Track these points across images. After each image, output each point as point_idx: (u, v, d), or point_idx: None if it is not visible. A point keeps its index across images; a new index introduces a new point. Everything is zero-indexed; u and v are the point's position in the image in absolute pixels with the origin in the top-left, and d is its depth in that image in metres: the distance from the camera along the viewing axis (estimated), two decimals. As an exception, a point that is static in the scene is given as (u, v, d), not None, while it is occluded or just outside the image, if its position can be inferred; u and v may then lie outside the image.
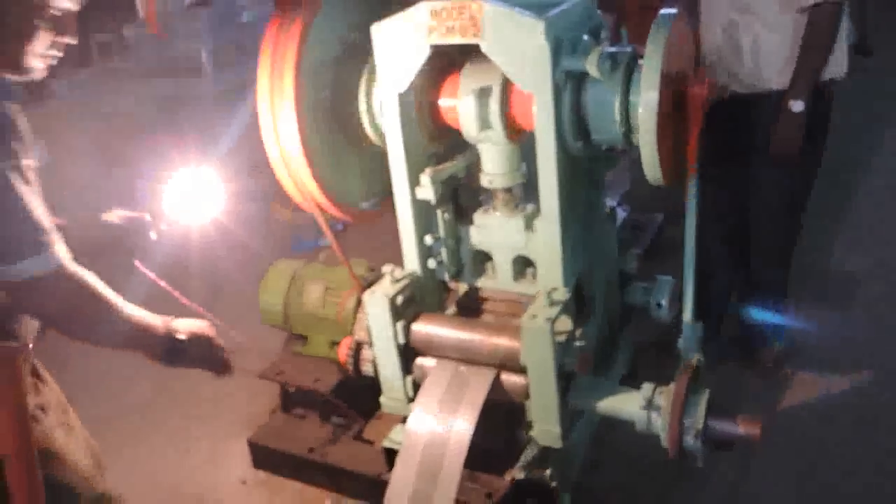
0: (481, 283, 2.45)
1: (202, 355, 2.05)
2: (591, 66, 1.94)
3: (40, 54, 1.81)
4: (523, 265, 2.36)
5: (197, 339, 2.03)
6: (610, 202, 2.64)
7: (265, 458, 2.80)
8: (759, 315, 3.02)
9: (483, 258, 2.44)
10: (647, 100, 1.91)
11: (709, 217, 2.88)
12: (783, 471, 2.53)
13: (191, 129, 4.59)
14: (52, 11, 1.77)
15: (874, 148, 4.88)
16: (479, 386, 2.23)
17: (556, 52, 1.95)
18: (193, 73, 4.54)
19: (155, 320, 1.98)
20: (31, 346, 1.61)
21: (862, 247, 3.81)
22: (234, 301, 3.88)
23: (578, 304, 2.51)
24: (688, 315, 2.31)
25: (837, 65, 2.56)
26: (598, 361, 2.56)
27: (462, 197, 2.48)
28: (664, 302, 2.60)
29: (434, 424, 2.20)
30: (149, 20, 4.61)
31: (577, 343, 2.20)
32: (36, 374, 1.89)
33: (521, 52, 1.96)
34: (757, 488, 2.49)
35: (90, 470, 2.03)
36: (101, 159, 5.11)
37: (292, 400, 2.94)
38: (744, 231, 2.92)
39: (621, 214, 2.65)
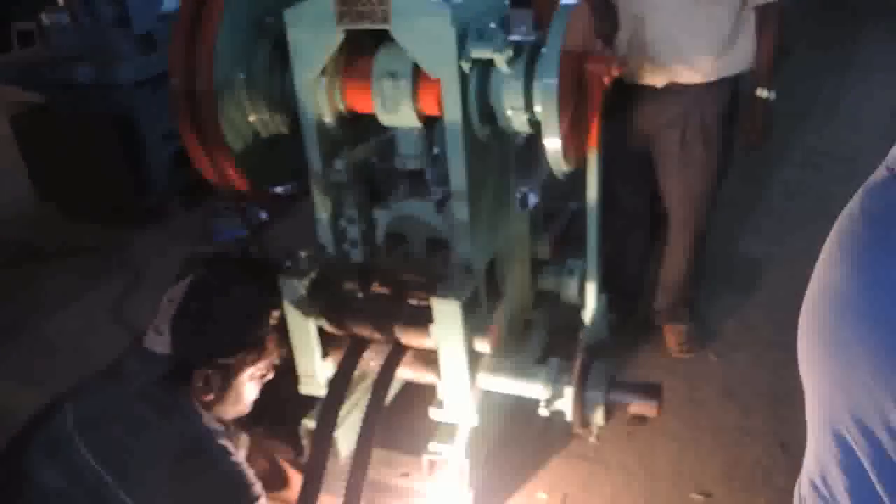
0: (395, 263, 2.50)
1: None
2: (496, 54, 2.01)
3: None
4: (436, 246, 2.41)
5: None
6: (523, 188, 2.72)
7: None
8: (670, 300, 3.16)
9: (397, 240, 2.48)
10: (546, 86, 1.99)
11: (620, 205, 3.00)
12: (684, 445, 2.66)
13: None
14: None
15: (785, 143, 5.10)
16: (390, 364, 2.28)
17: (462, 40, 2.01)
18: (115, 59, 4.46)
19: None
20: None
21: (768, 235, 3.99)
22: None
23: (491, 286, 2.59)
24: (591, 297, 2.41)
25: (746, 60, 2.70)
26: (510, 344, 2.65)
27: (377, 180, 2.53)
28: (574, 285, 2.71)
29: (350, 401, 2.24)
30: (69, 5, 4.51)
31: (486, 319, 2.27)
32: None
33: (429, 38, 2.01)
34: (661, 461, 2.60)
35: None
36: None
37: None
38: (656, 218, 3.04)
39: (533, 200, 2.73)
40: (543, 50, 2.01)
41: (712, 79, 2.69)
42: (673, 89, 2.71)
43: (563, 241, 2.86)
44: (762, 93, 2.73)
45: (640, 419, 2.75)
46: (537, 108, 2.05)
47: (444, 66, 2.03)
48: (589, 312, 2.43)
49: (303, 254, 2.39)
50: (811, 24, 7.65)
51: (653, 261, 3.22)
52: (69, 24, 4.60)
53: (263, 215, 4.48)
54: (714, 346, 3.16)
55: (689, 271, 3.09)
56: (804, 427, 0.91)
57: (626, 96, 2.78)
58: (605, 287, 3.16)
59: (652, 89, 2.73)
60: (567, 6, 2.06)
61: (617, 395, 2.14)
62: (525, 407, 2.36)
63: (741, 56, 2.71)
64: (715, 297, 3.44)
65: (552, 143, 2.05)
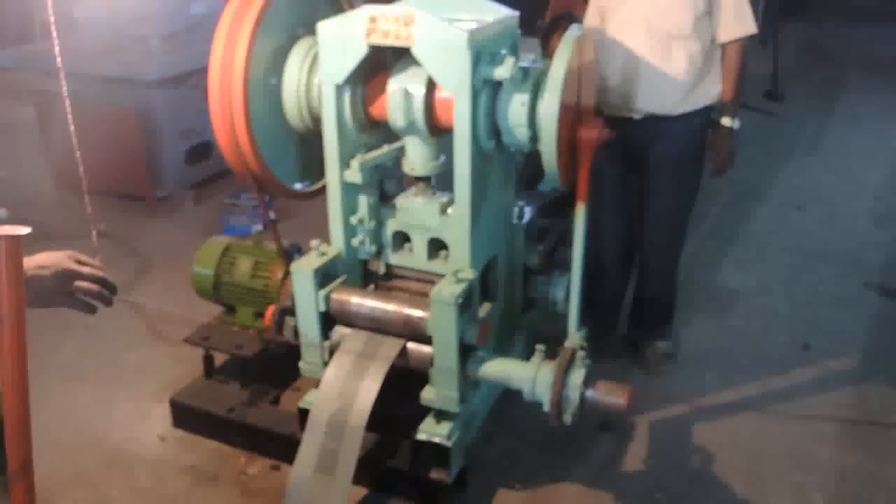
0: (399, 260, 2.71)
1: (52, 289, 1.55)
2: (505, 75, 2.24)
3: None
4: (437, 247, 2.63)
5: (42, 272, 1.54)
6: (520, 203, 2.94)
7: (185, 417, 3.00)
8: (647, 318, 3.38)
9: (402, 239, 2.70)
10: (548, 105, 2.22)
11: (600, 227, 3.23)
12: (653, 452, 2.86)
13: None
14: None
15: (772, 182, 5.36)
16: (387, 353, 2.49)
17: (476, 61, 2.25)
18: (141, 56, 4.69)
19: None
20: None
21: (747, 267, 4.23)
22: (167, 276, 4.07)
23: (485, 288, 2.80)
24: (573, 309, 2.63)
25: (716, 92, 2.96)
26: (499, 343, 2.86)
27: (387, 184, 2.75)
28: (560, 295, 2.93)
29: (343, 386, 2.44)
30: (103, 1, 4.74)
31: (478, 318, 2.48)
32: None
33: (446, 58, 2.24)
34: (629, 465, 2.80)
35: None
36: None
37: (215, 366, 3.15)
38: (634, 240, 3.27)
39: (528, 214, 2.95)
40: (549, 72, 2.25)
41: (686, 110, 2.94)
42: (651, 120, 2.94)
43: (552, 254, 3.08)
44: (727, 122, 2.98)
45: (608, 427, 2.96)
46: (538, 126, 2.28)
47: (458, 84, 2.26)
48: (572, 320, 2.64)
49: (314, 244, 2.61)
50: (802, 73, 7.99)
51: (631, 281, 3.44)
52: (100, 19, 4.83)
53: (272, 215, 4.69)
54: (687, 364, 3.37)
55: (663, 291, 3.31)
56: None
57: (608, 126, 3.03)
58: (585, 308, 3.41)
59: (631, 120, 2.96)
60: (572, 33, 2.30)
61: (591, 391, 2.35)
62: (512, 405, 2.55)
63: (711, 89, 2.96)
64: (691, 321, 3.66)
65: (549, 156, 2.28)
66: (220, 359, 3.15)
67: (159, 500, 2.68)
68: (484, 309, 2.71)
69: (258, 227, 4.63)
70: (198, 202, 5.08)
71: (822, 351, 3.46)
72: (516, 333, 3.02)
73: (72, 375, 3.33)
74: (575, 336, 2.58)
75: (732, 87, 2.94)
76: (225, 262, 3.07)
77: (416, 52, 2.28)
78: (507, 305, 2.92)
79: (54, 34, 2.11)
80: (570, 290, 2.61)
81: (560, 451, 2.83)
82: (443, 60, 2.25)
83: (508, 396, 2.75)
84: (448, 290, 2.37)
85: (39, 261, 1.52)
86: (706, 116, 3.00)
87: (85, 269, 1.56)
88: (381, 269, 2.77)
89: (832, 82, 7.87)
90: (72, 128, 4.92)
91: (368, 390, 2.41)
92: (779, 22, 8.45)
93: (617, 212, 3.21)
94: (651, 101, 2.93)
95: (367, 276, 2.80)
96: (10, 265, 1.03)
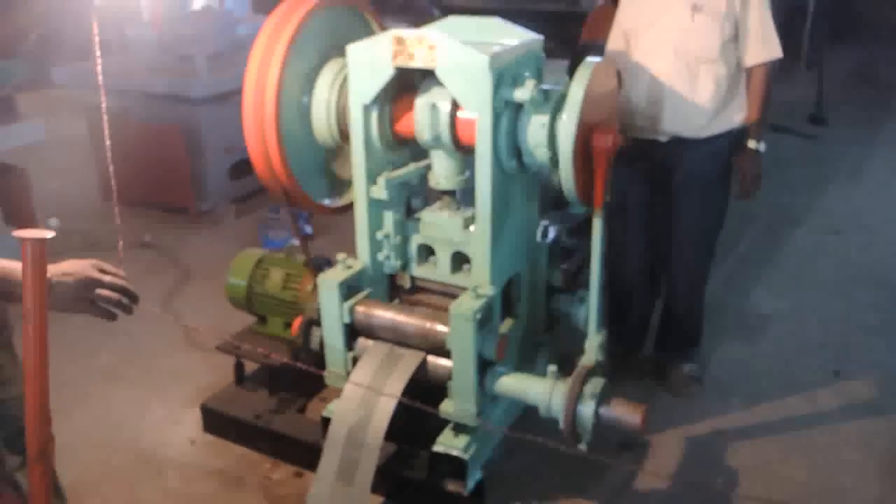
0: (424, 273, 2.77)
1: (73, 296, 1.65)
2: (525, 97, 2.31)
3: None
4: (461, 261, 2.68)
5: (65, 279, 1.63)
6: (544, 222, 2.99)
7: (215, 422, 3.10)
8: (674, 340, 3.38)
9: (427, 252, 2.76)
10: (566, 125, 2.27)
11: (626, 250, 3.25)
12: (672, 473, 2.85)
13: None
14: None
15: (811, 207, 5.31)
16: (407, 365, 2.55)
17: (498, 83, 2.31)
18: (188, 74, 4.88)
19: (11, 264, 1.59)
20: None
21: (781, 292, 4.19)
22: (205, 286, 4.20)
23: (507, 304, 2.85)
24: (592, 326, 2.66)
25: (741, 115, 2.97)
26: (521, 360, 2.90)
27: (413, 201, 2.82)
28: (583, 314, 2.95)
29: (363, 397, 2.50)
30: (153, 21, 4.95)
31: (497, 333, 2.53)
32: None
33: (468, 80, 2.31)
34: (647, 485, 2.81)
35: None
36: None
37: (246, 374, 3.25)
38: (661, 262, 3.28)
39: (552, 234, 2.99)
40: (568, 95, 2.30)
41: (712, 132, 2.96)
42: (677, 142, 2.97)
43: (577, 274, 3.11)
44: (753, 144, 2.99)
45: (629, 446, 2.97)
46: (557, 147, 2.33)
47: (479, 105, 2.33)
48: (591, 335, 2.67)
49: (340, 257, 2.69)
50: (848, 97, 7.89)
51: (658, 303, 3.44)
52: (150, 39, 5.04)
53: (309, 229, 4.82)
54: (713, 387, 3.36)
55: (690, 314, 3.31)
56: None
57: (633, 149, 3.06)
58: (611, 327, 3.43)
59: (657, 142, 2.99)
60: (591, 61, 2.36)
61: (605, 409, 2.37)
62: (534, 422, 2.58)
63: (737, 112, 2.98)
64: (721, 345, 3.64)
65: (566, 175, 2.33)
66: (251, 367, 3.24)
67: (186, 501, 2.77)
68: (505, 325, 2.76)
69: (295, 241, 4.75)
70: (239, 216, 5.24)
71: (852, 379, 3.42)
72: (540, 351, 3.05)
73: (110, 379, 3.47)
74: (591, 353, 2.60)
75: (758, 110, 2.96)
76: (258, 273, 3.18)
77: (440, 74, 2.35)
78: (530, 323, 2.95)
79: (97, 53, 2.21)
80: (588, 301, 2.64)
81: (579, 469, 2.85)
82: (465, 82, 2.32)
83: (533, 412, 2.78)
84: (467, 306, 2.42)
85: (64, 268, 1.62)
86: (732, 139, 3.01)
87: (106, 278, 1.66)
88: (407, 283, 2.84)
89: (879, 107, 7.77)
90: (118, 142, 5.13)
91: (387, 401, 2.47)
92: (826, 45, 8.38)
93: (642, 234, 3.23)
94: (677, 124, 2.96)
95: (394, 290, 2.88)
96: (35, 266, 1.13)
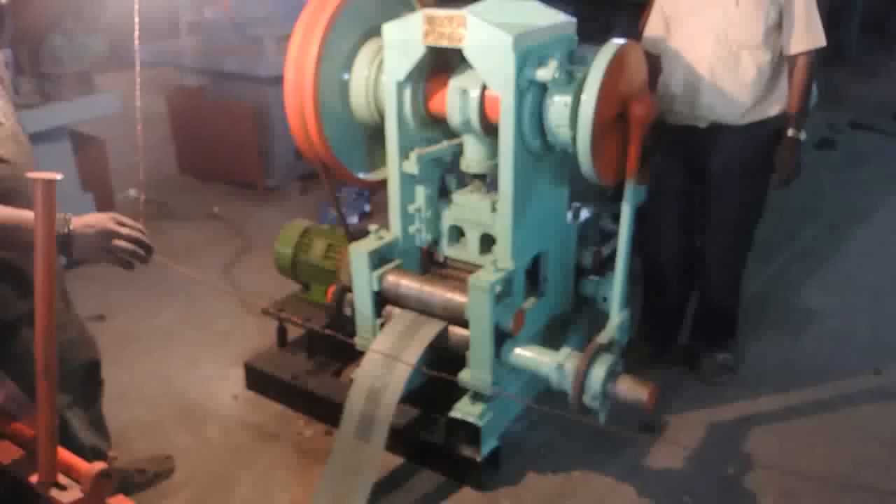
0: (453, 252, 2.89)
1: (93, 246, 1.80)
2: (547, 77, 2.38)
3: None
4: (490, 243, 2.78)
5: (86, 231, 1.79)
6: (577, 203, 3.05)
7: (256, 380, 3.29)
8: (708, 329, 3.38)
9: (458, 233, 2.87)
10: (585, 101, 2.33)
11: (664, 237, 3.27)
12: (690, 457, 2.87)
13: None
14: None
15: (877, 206, 5.14)
16: (427, 333, 2.67)
17: (522, 63, 2.39)
18: (257, 55, 5.12)
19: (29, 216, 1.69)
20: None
21: (832, 289, 4.10)
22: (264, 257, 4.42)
23: (534, 282, 2.93)
24: (615, 305, 2.71)
25: (783, 103, 2.95)
26: (547, 338, 2.97)
27: (448, 180, 2.93)
28: (609, 296, 3.00)
29: (384, 360, 2.63)
30: (224, 3, 5.21)
31: (514, 307, 2.61)
32: None
33: (493, 59, 2.40)
34: (661, 464, 2.83)
35: (82, 341, 2.48)
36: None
37: (291, 338, 3.43)
38: (697, 251, 3.28)
39: (585, 215, 3.04)
40: (588, 75, 2.36)
41: (752, 120, 2.94)
42: (715, 129, 2.97)
43: (610, 257, 3.15)
44: (792, 133, 2.95)
45: (649, 428, 3.01)
46: (577, 125, 2.39)
47: (503, 84, 2.41)
48: (612, 316, 2.72)
49: (373, 228, 2.82)
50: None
51: (694, 291, 3.44)
52: (224, 20, 5.31)
53: (367, 207, 5.00)
54: (747, 377, 3.35)
55: (725, 304, 3.31)
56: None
57: (671, 136, 3.08)
58: (645, 314, 3.45)
59: (695, 129, 3.00)
60: (615, 41, 2.41)
61: (612, 385, 2.43)
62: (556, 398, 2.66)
63: (778, 99, 2.95)
64: (761, 337, 3.61)
65: (583, 155, 2.39)
66: (298, 332, 3.41)
67: (222, 450, 2.96)
68: (528, 302, 2.84)
69: (353, 219, 4.93)
70: (303, 193, 5.45)
71: (893, 378, 3.34)
72: (568, 332, 3.10)
73: (168, 337, 3.71)
74: (609, 331, 2.65)
75: (799, 98, 2.93)
76: (303, 242, 3.35)
77: (467, 53, 2.45)
78: (557, 302, 3.02)
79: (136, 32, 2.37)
80: (614, 279, 2.69)
81: (598, 447, 2.91)
82: (490, 61, 2.41)
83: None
84: (485, 278, 2.52)
85: (86, 220, 1.80)
86: (773, 128, 2.99)
87: (123, 230, 1.82)
88: (441, 259, 2.95)
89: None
90: (194, 119, 5.43)
91: (405, 364, 2.59)
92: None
93: (678, 221, 3.23)
94: (716, 110, 2.96)
95: (431, 265, 2.99)
96: (45, 203, 1.28)
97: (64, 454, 1.47)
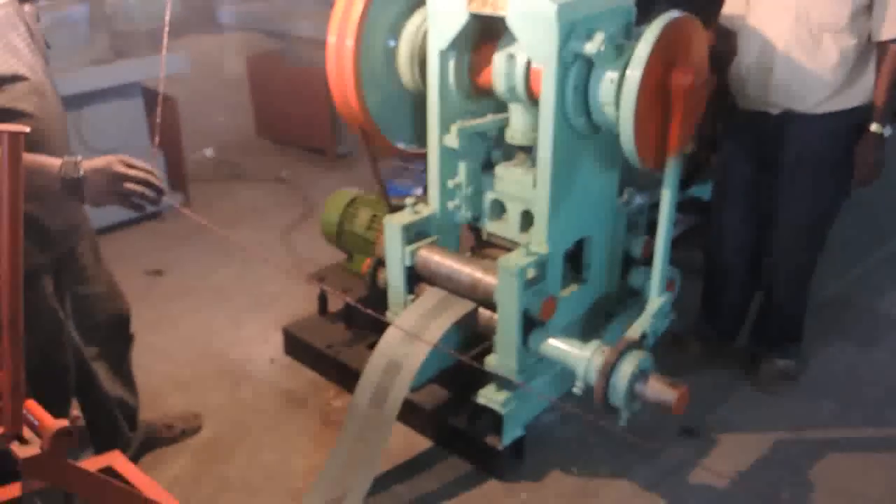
0: (495, 229, 2.77)
1: (103, 189, 1.81)
2: (592, 51, 2.22)
3: None
4: (531, 220, 2.64)
5: (96, 174, 1.81)
6: (630, 188, 2.86)
7: (293, 346, 3.29)
8: (770, 332, 3.14)
9: (500, 209, 2.75)
10: (630, 77, 2.16)
11: (728, 230, 3.05)
12: (731, 468, 2.67)
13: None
14: None
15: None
16: (454, 313, 2.58)
17: (567, 35, 2.24)
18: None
19: (51, 160, 1.83)
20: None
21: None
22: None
23: (575, 268, 2.79)
24: (654, 293, 2.54)
25: (866, 94, 2.67)
26: (587, 329, 2.83)
27: (494, 154, 2.80)
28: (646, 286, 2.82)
29: (406, 335, 2.55)
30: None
31: (545, 293, 2.48)
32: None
33: (536, 29, 2.26)
34: (699, 476, 2.64)
35: (110, 295, 2.49)
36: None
37: (333, 308, 3.40)
38: (764, 246, 3.03)
39: (638, 202, 2.86)
40: (634, 50, 2.19)
41: (830, 109, 2.68)
42: (789, 117, 2.72)
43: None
44: (876, 128, 2.66)
45: (692, 432, 2.83)
46: (620, 101, 2.23)
47: (545, 56, 2.27)
48: (648, 306, 2.55)
49: (409, 202, 2.74)
50: None
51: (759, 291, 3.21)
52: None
53: (421, 192, 4.92)
54: (808, 388, 3.10)
55: (791, 306, 3.06)
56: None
57: (740, 122, 2.85)
58: (704, 312, 3.24)
59: (767, 115, 2.76)
60: (669, 14, 2.22)
61: (640, 385, 2.28)
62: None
63: (862, 90, 2.67)
64: (831, 344, 3.34)
65: (626, 134, 2.22)
66: (340, 302, 3.38)
67: (251, 412, 2.97)
68: (567, 289, 2.70)
69: (418, 190, 4.86)
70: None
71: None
72: (612, 322, 2.95)
73: (218, 296, 3.76)
74: (641, 325, 2.49)
75: (886, 90, 2.64)
76: (349, 211, 3.30)
77: (510, 22, 2.32)
78: (602, 291, 2.87)
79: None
80: (653, 269, 2.52)
81: (630, 449, 2.74)
82: (533, 31, 2.27)
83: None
84: (514, 261, 2.40)
85: (95, 164, 1.79)
86: (854, 121, 2.72)
87: (132, 172, 1.80)
88: (484, 237, 2.85)
89: None
90: (272, 84, 5.46)
91: (426, 341, 2.51)
92: None
93: (745, 214, 3.01)
94: (791, 97, 2.71)
95: (478, 242, 2.89)
96: (12, 155, 1.26)
97: (35, 409, 1.46)
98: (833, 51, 2.64)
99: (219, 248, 4.09)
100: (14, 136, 1.28)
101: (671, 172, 2.40)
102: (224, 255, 4.07)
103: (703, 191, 3.48)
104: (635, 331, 2.44)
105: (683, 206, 4.04)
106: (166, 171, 4.42)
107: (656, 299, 2.54)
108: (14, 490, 1.50)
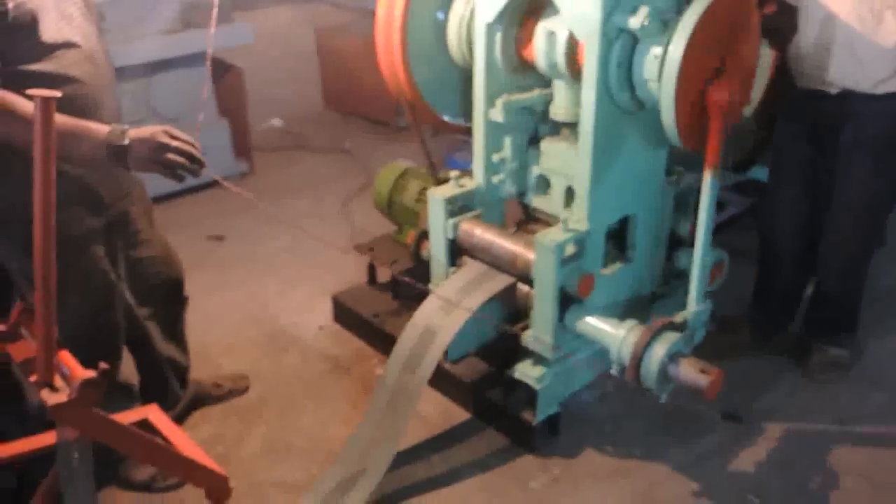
0: (540, 204, 2.76)
1: (147, 157, 1.87)
2: (635, 25, 2.17)
3: None
4: (573, 195, 2.62)
5: (140, 142, 1.86)
6: (680, 168, 2.80)
7: (341, 314, 3.36)
8: (823, 320, 3.04)
9: (545, 184, 2.73)
10: (672, 53, 2.11)
11: (782, 213, 2.95)
12: (770, 456, 2.62)
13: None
14: None
15: None
16: (493, 286, 2.59)
17: (612, 8, 2.19)
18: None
19: (99, 127, 1.89)
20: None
21: None
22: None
23: (619, 247, 2.75)
24: (694, 280, 2.49)
25: None
26: (630, 308, 2.79)
27: (541, 129, 2.78)
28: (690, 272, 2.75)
29: (445, 305, 2.58)
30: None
31: (583, 270, 2.46)
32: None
33: (579, 2, 2.22)
34: (736, 462, 2.58)
35: (165, 259, 2.58)
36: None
37: (382, 278, 3.46)
38: (819, 230, 2.92)
39: (687, 181, 2.79)
40: (679, 23, 2.13)
41: (890, 90, 2.54)
42: (847, 97, 2.61)
43: (715, 232, 2.89)
44: None
45: (735, 418, 2.77)
46: (662, 76, 2.18)
47: (588, 30, 2.23)
48: (692, 296, 2.50)
49: (454, 174, 2.75)
50: None
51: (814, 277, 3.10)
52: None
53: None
54: (859, 379, 3.00)
55: (845, 293, 2.95)
56: None
57: (798, 101, 2.74)
58: (756, 297, 3.15)
59: (825, 94, 2.65)
60: (717, -10, 2.15)
61: (673, 366, 2.24)
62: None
63: None
64: (888, 335, 3.21)
65: (667, 111, 2.17)
66: (389, 272, 3.43)
67: (296, 377, 3.06)
68: (610, 268, 2.67)
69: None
70: (434, 135, 5.42)
71: None
72: (656, 304, 2.90)
73: (272, 264, 3.87)
74: (689, 308, 2.44)
75: None
76: (399, 184, 3.34)
77: (553, -5, 2.28)
78: (647, 272, 2.83)
79: None
80: (693, 263, 2.47)
81: (667, 430, 2.73)
82: (576, 5, 2.24)
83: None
84: (552, 237, 2.39)
85: (140, 133, 1.86)
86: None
87: (175, 143, 1.87)
88: (530, 211, 2.84)
89: None
90: (340, 56, 5.52)
91: (462, 312, 2.53)
92: None
93: (800, 196, 2.90)
94: (850, 76, 2.59)
95: (525, 217, 2.89)
96: (44, 120, 1.33)
97: (68, 360, 1.55)
98: (895, 28, 2.51)
99: (281, 217, 4.18)
100: (46, 100, 1.34)
101: (708, 189, 2.33)
102: (281, 224, 4.17)
103: (763, 173, 3.37)
104: (679, 316, 2.39)
105: (743, 188, 3.95)
106: (231, 140, 4.55)
107: (694, 289, 2.48)
108: (50, 438, 1.60)
